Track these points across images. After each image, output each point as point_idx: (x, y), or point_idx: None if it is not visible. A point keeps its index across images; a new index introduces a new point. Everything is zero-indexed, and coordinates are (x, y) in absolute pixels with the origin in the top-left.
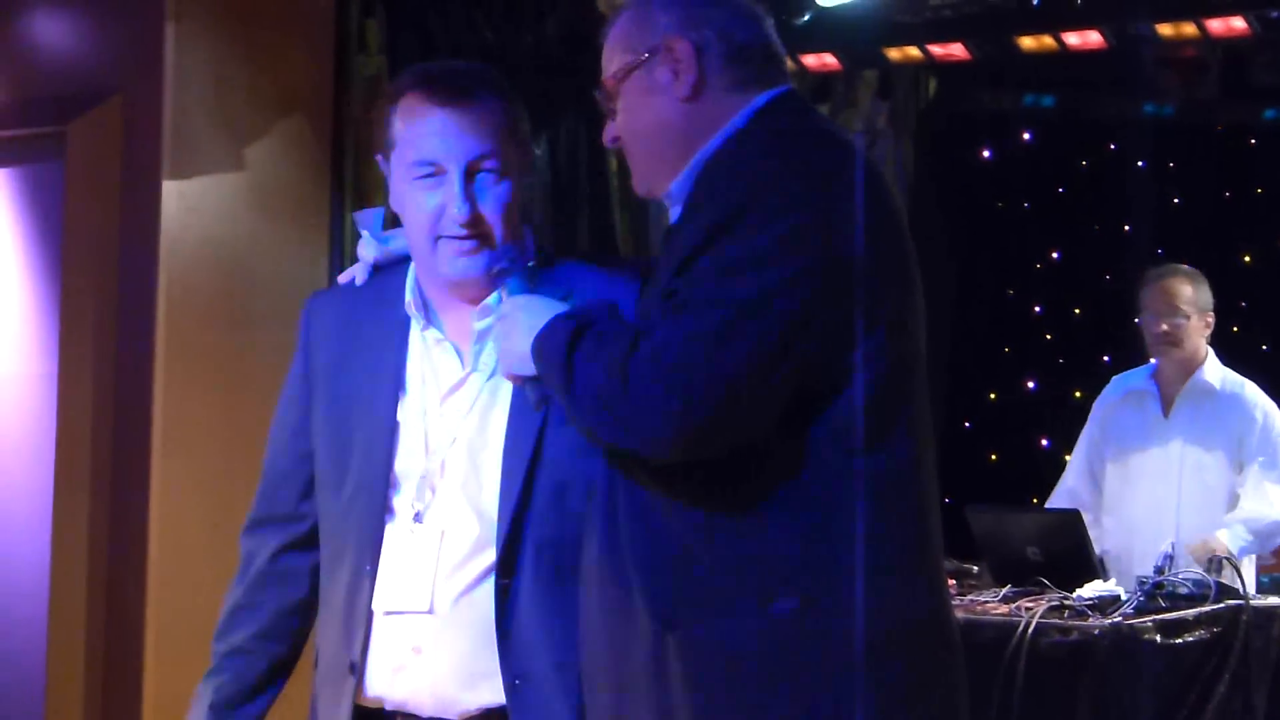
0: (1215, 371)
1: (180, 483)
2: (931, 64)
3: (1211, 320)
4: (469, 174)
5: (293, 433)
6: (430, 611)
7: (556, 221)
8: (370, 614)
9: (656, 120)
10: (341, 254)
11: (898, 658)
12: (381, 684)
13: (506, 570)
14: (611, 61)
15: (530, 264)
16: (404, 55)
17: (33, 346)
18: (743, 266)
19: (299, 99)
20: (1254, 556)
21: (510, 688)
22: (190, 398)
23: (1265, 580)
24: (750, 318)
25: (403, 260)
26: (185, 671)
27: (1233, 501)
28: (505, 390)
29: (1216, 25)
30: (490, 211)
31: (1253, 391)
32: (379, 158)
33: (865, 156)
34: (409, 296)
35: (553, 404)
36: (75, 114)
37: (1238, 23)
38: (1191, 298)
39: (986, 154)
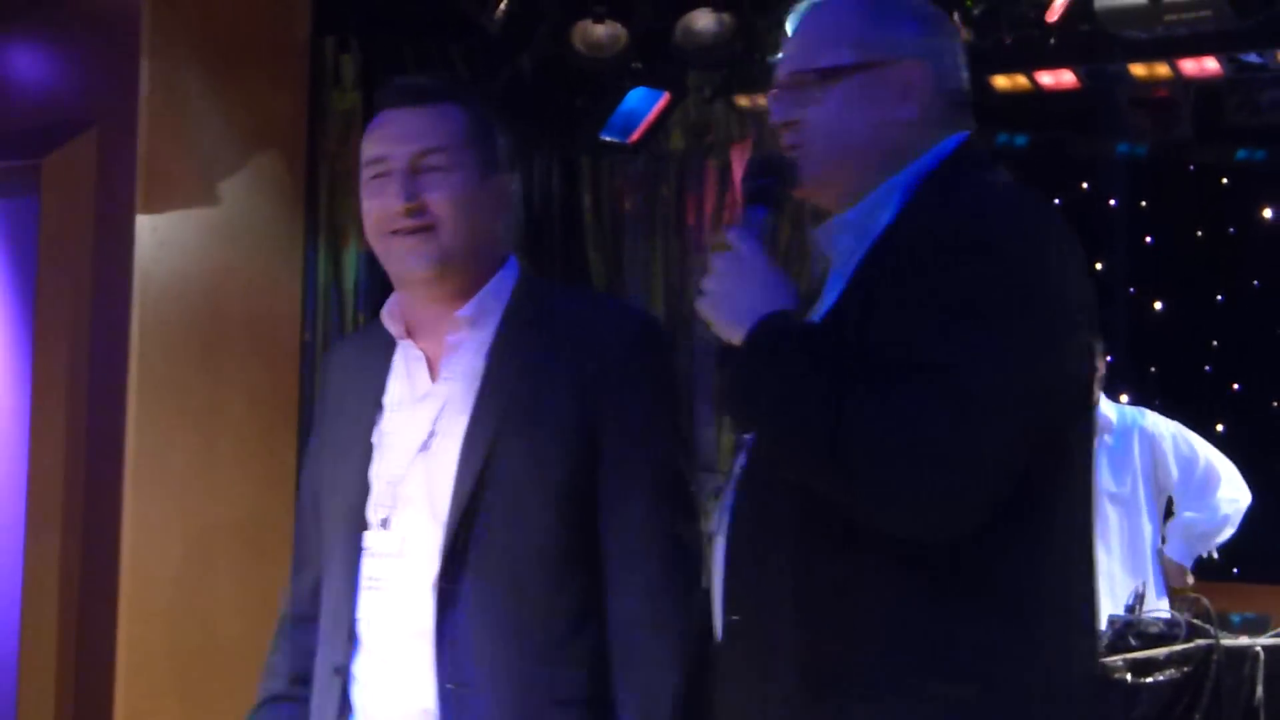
0: (1108, 408)
1: (152, 516)
2: None
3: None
4: (412, 169)
5: (310, 477)
6: (392, 623)
7: (531, 257)
8: (354, 624)
9: (863, 131)
10: (315, 288)
11: None
12: (358, 697)
13: (448, 574)
14: (827, 48)
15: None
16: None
17: (5, 380)
18: (1015, 352)
19: (273, 134)
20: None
21: (444, 693)
22: (163, 431)
23: (1237, 619)
24: (1025, 410)
25: None
26: (156, 706)
27: (1158, 530)
28: (470, 398)
29: (1189, 66)
30: (438, 203)
31: (1154, 418)
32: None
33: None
34: (387, 308)
35: (513, 405)
36: (50, 148)
37: (1210, 64)
38: None
39: None
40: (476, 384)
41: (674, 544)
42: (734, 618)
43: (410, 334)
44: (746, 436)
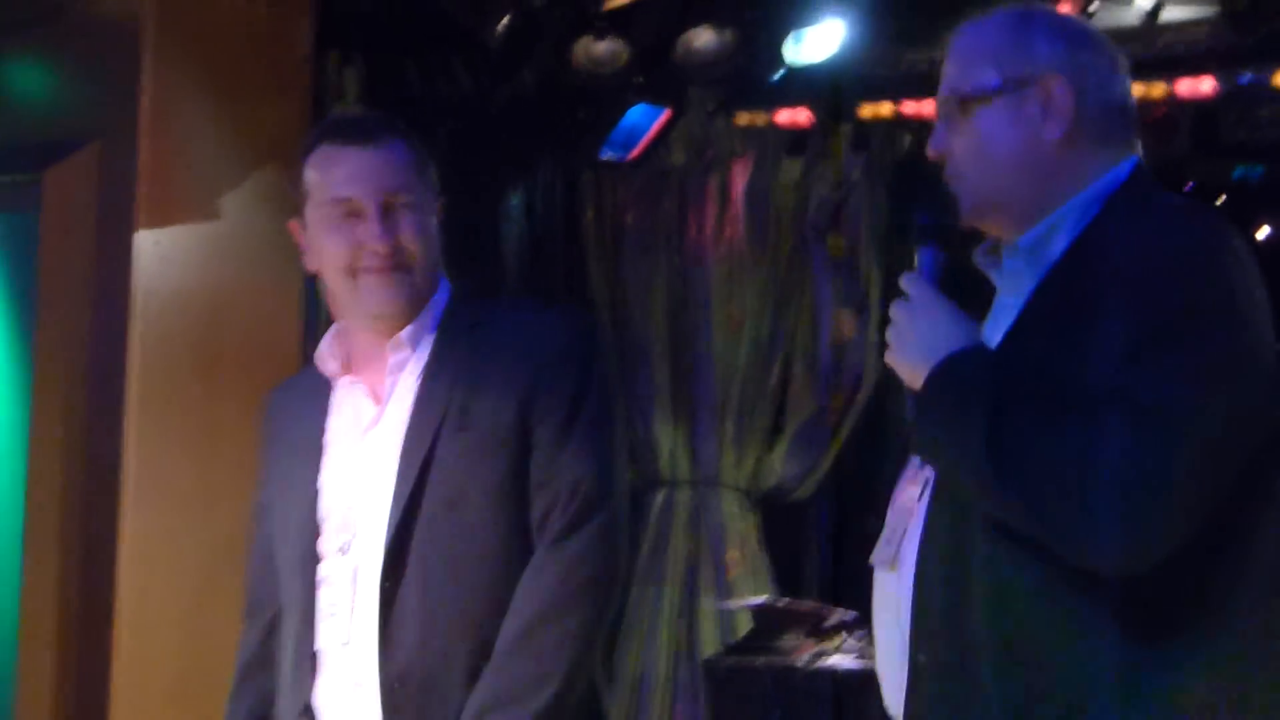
0: None
1: (151, 533)
2: (903, 121)
3: None
4: (385, 208)
5: (259, 521)
6: (347, 644)
7: (531, 270)
8: (315, 655)
9: (1013, 155)
10: (315, 304)
11: None
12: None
13: (390, 573)
14: (968, 74)
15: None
16: (381, 105)
17: (3, 394)
18: (1207, 376)
19: (275, 149)
20: None
21: (388, 690)
22: (162, 447)
23: None
24: (1218, 432)
25: None
26: None
27: None
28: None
29: (1186, 85)
30: (410, 241)
31: None
32: (292, 222)
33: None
34: (323, 348)
35: (448, 411)
36: (51, 162)
37: (1207, 82)
38: None
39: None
40: (413, 399)
41: (597, 537)
42: (921, 657)
43: (348, 369)
44: (924, 473)
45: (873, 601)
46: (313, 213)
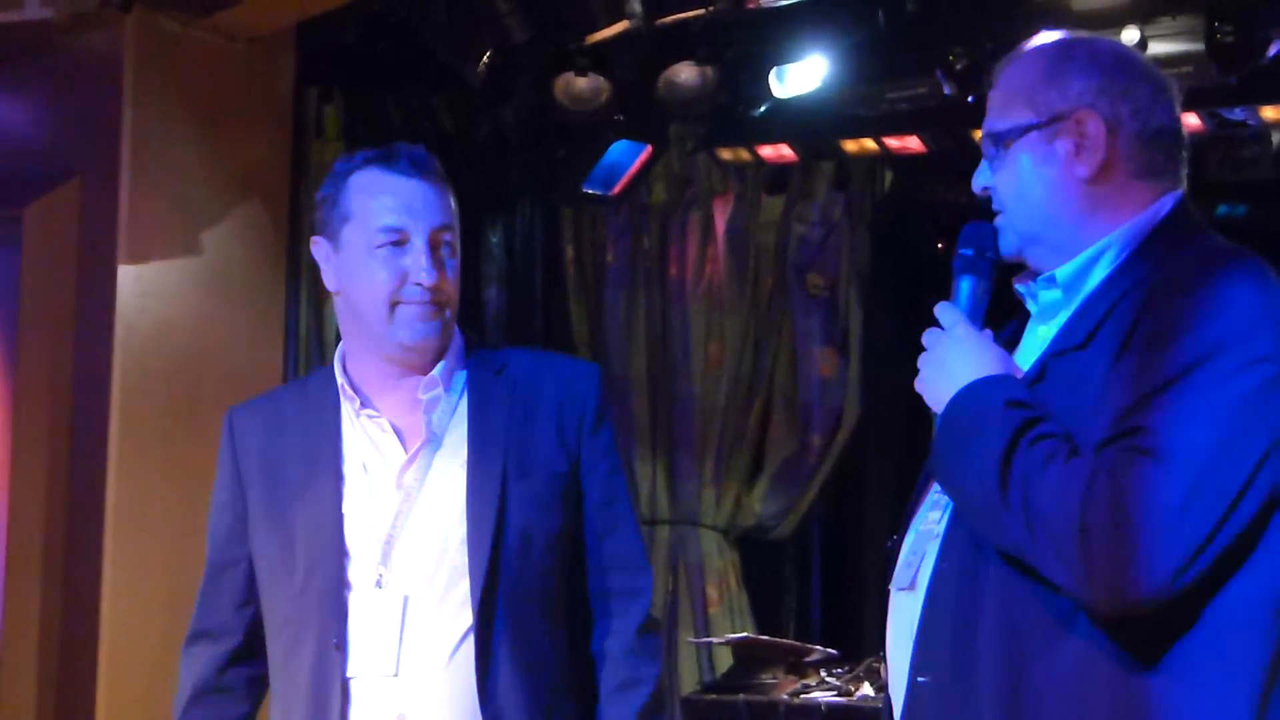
0: None
1: (133, 567)
2: (887, 156)
3: None
4: (432, 244)
5: (225, 541)
6: (395, 675)
7: (511, 307)
8: (345, 684)
9: (1046, 192)
10: (296, 338)
11: None
12: None
13: (484, 626)
14: (1006, 111)
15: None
16: (362, 141)
17: None
18: (1218, 415)
19: (256, 184)
20: None
21: None
22: (144, 481)
23: None
24: (1227, 473)
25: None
26: None
27: None
28: (460, 451)
29: None
30: (449, 281)
31: None
32: (317, 239)
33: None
34: (340, 380)
35: (508, 457)
36: (32, 197)
37: (1192, 120)
38: None
39: (941, 245)
40: (463, 441)
41: (649, 572)
42: (920, 679)
43: (365, 401)
44: (945, 497)
45: (888, 624)
46: (353, 236)
